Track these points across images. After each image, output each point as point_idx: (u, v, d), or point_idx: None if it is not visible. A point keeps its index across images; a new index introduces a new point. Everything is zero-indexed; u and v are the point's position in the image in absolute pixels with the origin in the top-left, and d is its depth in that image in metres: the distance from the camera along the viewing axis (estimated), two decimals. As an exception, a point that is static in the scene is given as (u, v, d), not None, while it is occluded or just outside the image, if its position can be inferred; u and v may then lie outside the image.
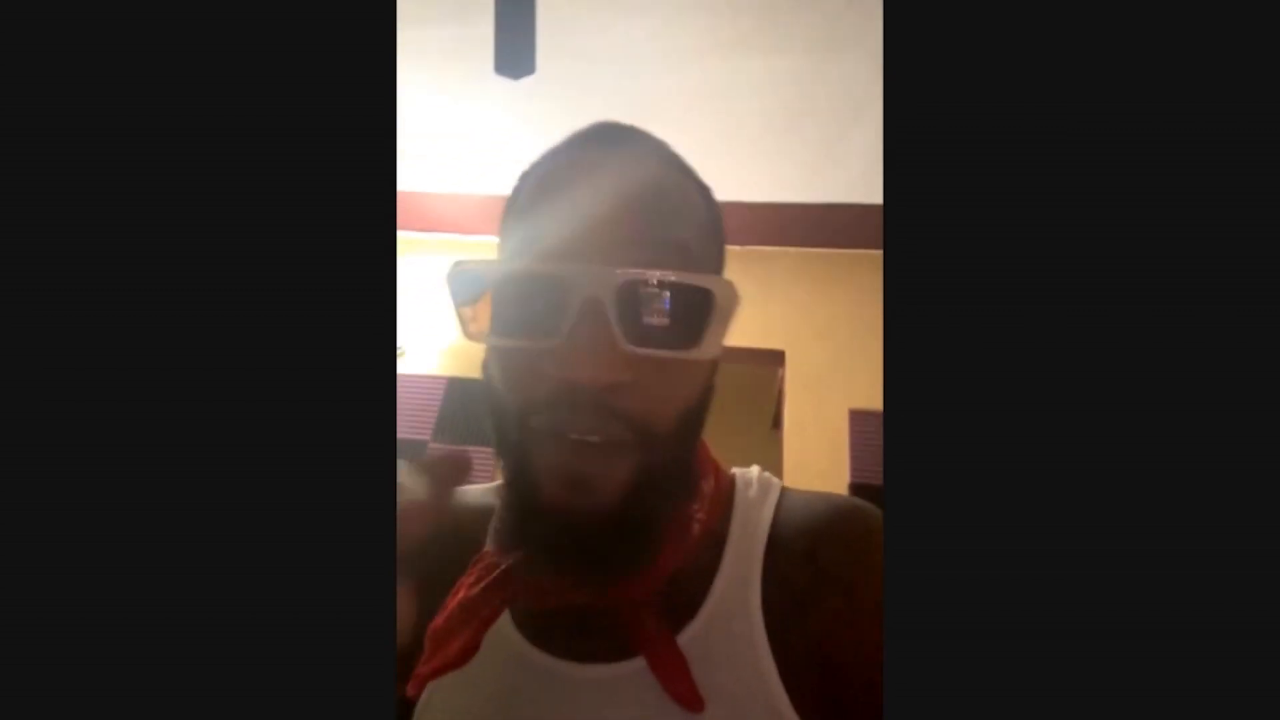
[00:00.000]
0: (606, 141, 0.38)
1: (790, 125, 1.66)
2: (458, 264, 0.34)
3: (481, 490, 0.46)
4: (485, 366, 0.36)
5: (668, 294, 0.32)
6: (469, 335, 0.34)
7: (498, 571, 0.35)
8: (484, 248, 2.25)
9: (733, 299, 0.33)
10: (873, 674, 0.33)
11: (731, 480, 0.42)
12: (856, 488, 1.73)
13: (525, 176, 0.39)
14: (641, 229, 0.34)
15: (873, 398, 1.84)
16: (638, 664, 0.35)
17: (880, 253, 1.99)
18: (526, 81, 1.24)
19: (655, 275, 0.31)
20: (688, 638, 0.36)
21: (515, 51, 1.22)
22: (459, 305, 0.34)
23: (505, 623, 0.38)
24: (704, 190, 0.39)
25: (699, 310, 0.32)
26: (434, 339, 2.15)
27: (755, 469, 0.43)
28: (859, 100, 1.55)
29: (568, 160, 0.37)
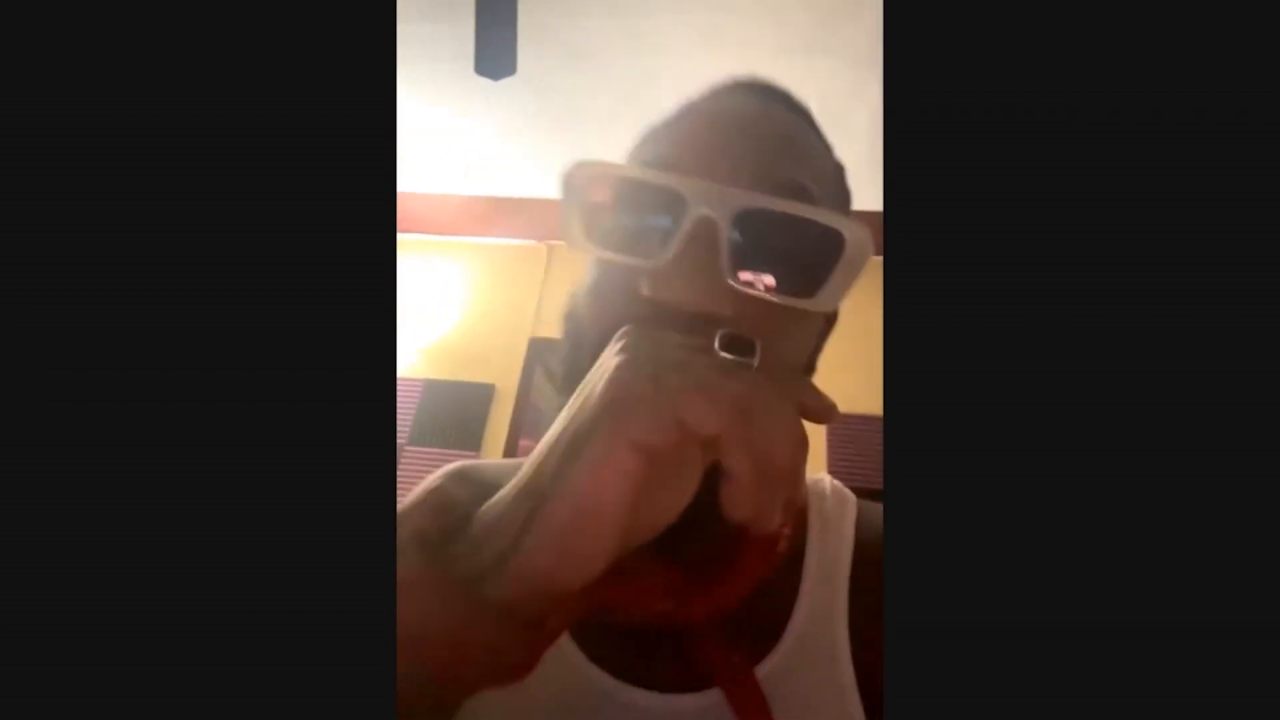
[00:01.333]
0: (746, 90, 0.36)
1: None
2: (572, 167, 0.31)
3: (511, 467, 0.40)
4: (570, 311, 0.33)
5: (789, 231, 0.28)
6: (571, 243, 0.30)
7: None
8: (461, 248, 2.24)
9: (866, 247, 0.28)
10: None
11: (804, 492, 0.38)
12: (833, 490, 1.74)
13: (667, 115, 0.36)
14: (767, 166, 0.31)
15: (850, 402, 1.86)
16: (709, 698, 0.31)
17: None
18: (506, 81, 1.23)
19: (782, 204, 0.28)
20: (767, 670, 0.31)
21: (496, 52, 1.22)
22: (566, 211, 0.31)
23: (563, 638, 0.33)
24: (838, 165, 0.37)
25: (824, 255, 0.28)
26: (410, 340, 2.13)
27: (826, 478, 0.40)
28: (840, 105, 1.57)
29: (704, 100, 0.35)
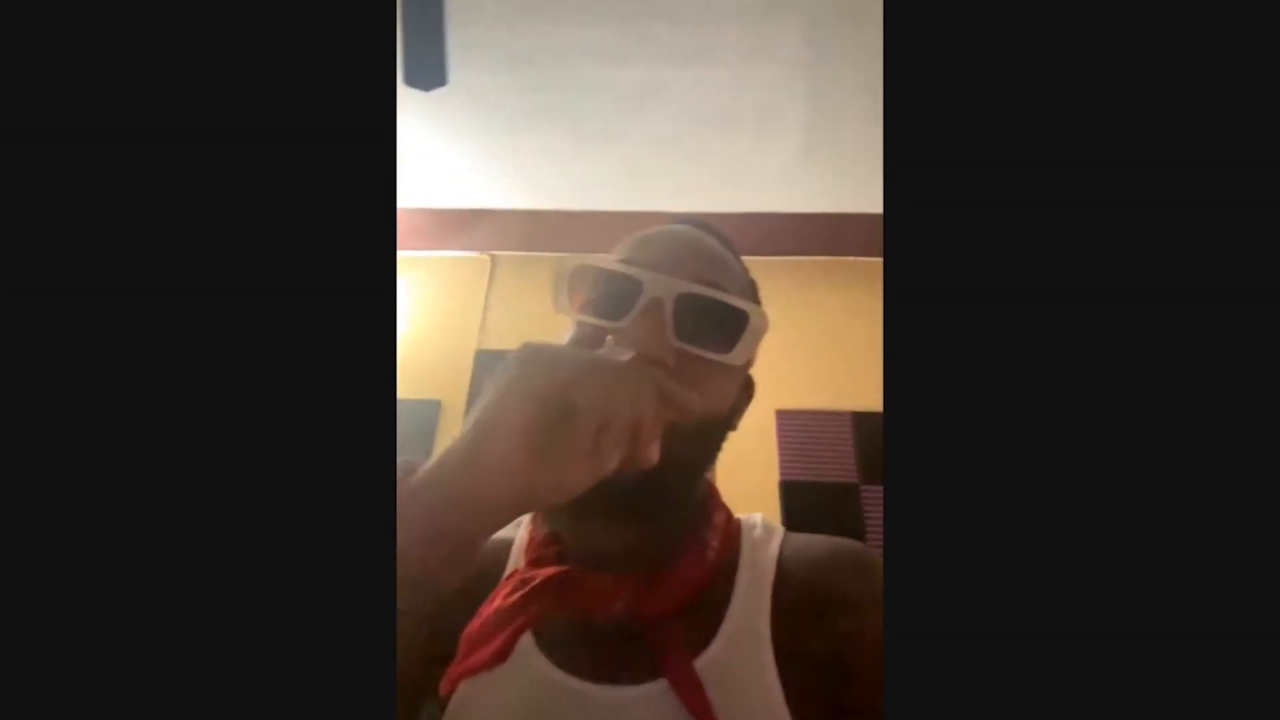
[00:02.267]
0: (693, 223, 0.50)
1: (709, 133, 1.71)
2: (580, 263, 0.43)
3: None
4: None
5: (711, 311, 0.40)
6: (559, 309, 0.43)
7: (533, 585, 0.39)
8: (401, 263, 2.19)
9: (763, 324, 0.42)
10: (874, 695, 0.37)
11: (738, 523, 0.48)
12: (786, 484, 1.78)
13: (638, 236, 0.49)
14: (700, 269, 0.44)
15: (798, 398, 1.90)
16: (658, 686, 0.39)
17: (801, 259, 2.07)
18: (444, 91, 1.21)
19: (709, 292, 0.40)
20: (705, 662, 0.40)
21: (425, 63, 1.20)
22: (567, 288, 0.43)
23: (530, 649, 0.41)
24: (749, 280, 0.50)
25: (735, 327, 0.41)
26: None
27: (759, 515, 0.50)
28: (780, 110, 1.61)
29: (663, 226, 0.49)
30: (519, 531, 0.49)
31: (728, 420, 0.46)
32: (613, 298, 0.41)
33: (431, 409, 1.98)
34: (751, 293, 0.50)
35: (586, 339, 0.40)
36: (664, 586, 0.41)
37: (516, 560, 0.46)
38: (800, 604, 0.42)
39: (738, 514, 0.49)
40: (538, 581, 0.39)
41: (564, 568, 0.40)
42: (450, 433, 1.95)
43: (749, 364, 0.45)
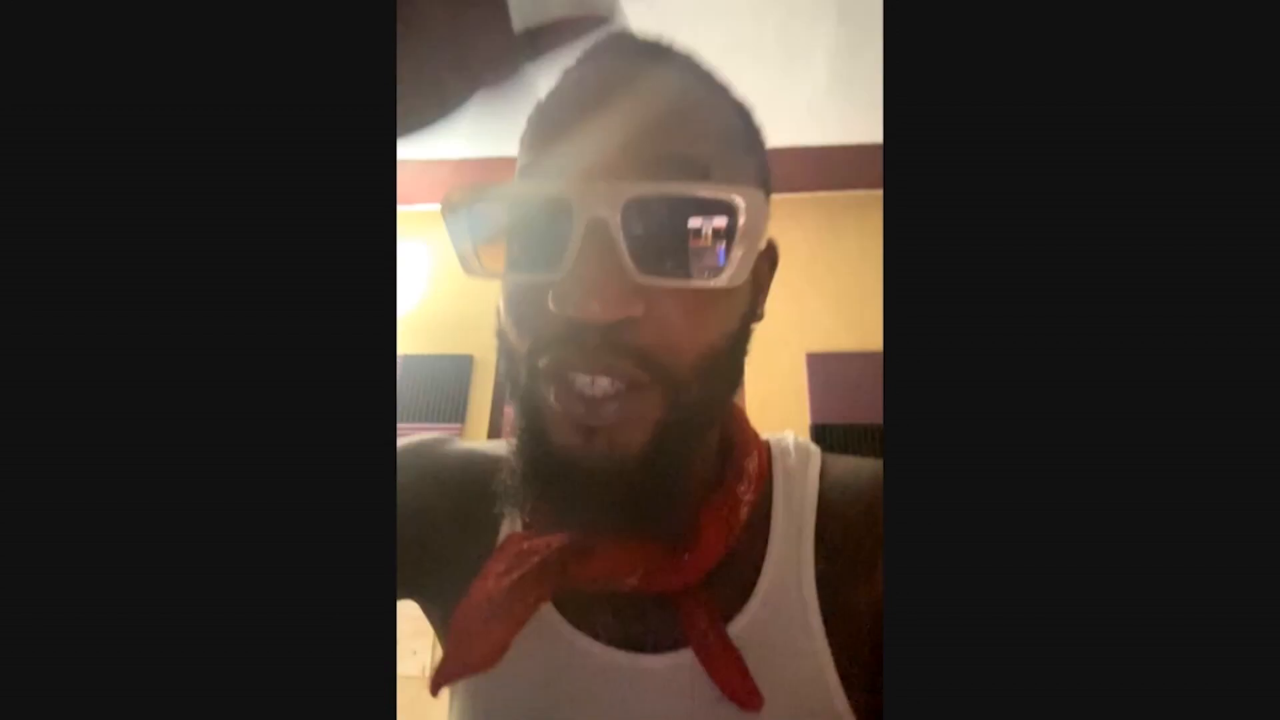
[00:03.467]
0: (621, 55, 0.33)
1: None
2: (449, 193, 0.29)
3: (490, 446, 0.43)
4: (498, 328, 0.33)
5: (684, 212, 0.27)
6: (469, 271, 0.30)
7: (533, 563, 0.32)
8: (425, 218, 2.19)
9: (760, 213, 0.27)
10: None
11: (767, 446, 0.39)
12: (817, 428, 1.78)
13: (539, 102, 0.34)
14: (655, 145, 0.29)
15: (828, 340, 1.88)
16: (687, 656, 0.32)
17: (829, 195, 2.01)
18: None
19: (668, 188, 0.27)
20: (740, 626, 0.33)
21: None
22: (456, 240, 0.30)
23: (545, 607, 0.34)
24: (739, 108, 0.34)
25: (721, 230, 0.27)
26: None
27: (790, 434, 0.41)
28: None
29: (579, 77, 0.32)
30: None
31: (735, 344, 0.33)
32: (534, 231, 0.29)
33: (464, 364, 2.01)
34: (750, 137, 0.34)
35: (526, 306, 0.29)
36: (688, 559, 0.32)
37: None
38: (846, 546, 0.34)
39: (767, 436, 0.40)
40: (537, 560, 0.32)
41: (567, 536, 0.32)
42: (482, 387, 1.98)
43: (746, 277, 0.29)
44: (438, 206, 0.30)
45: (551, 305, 0.27)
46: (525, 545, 0.33)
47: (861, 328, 1.87)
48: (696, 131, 0.31)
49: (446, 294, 2.11)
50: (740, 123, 0.34)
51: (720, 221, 0.27)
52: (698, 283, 0.28)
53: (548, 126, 0.31)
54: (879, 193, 1.96)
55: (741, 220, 0.27)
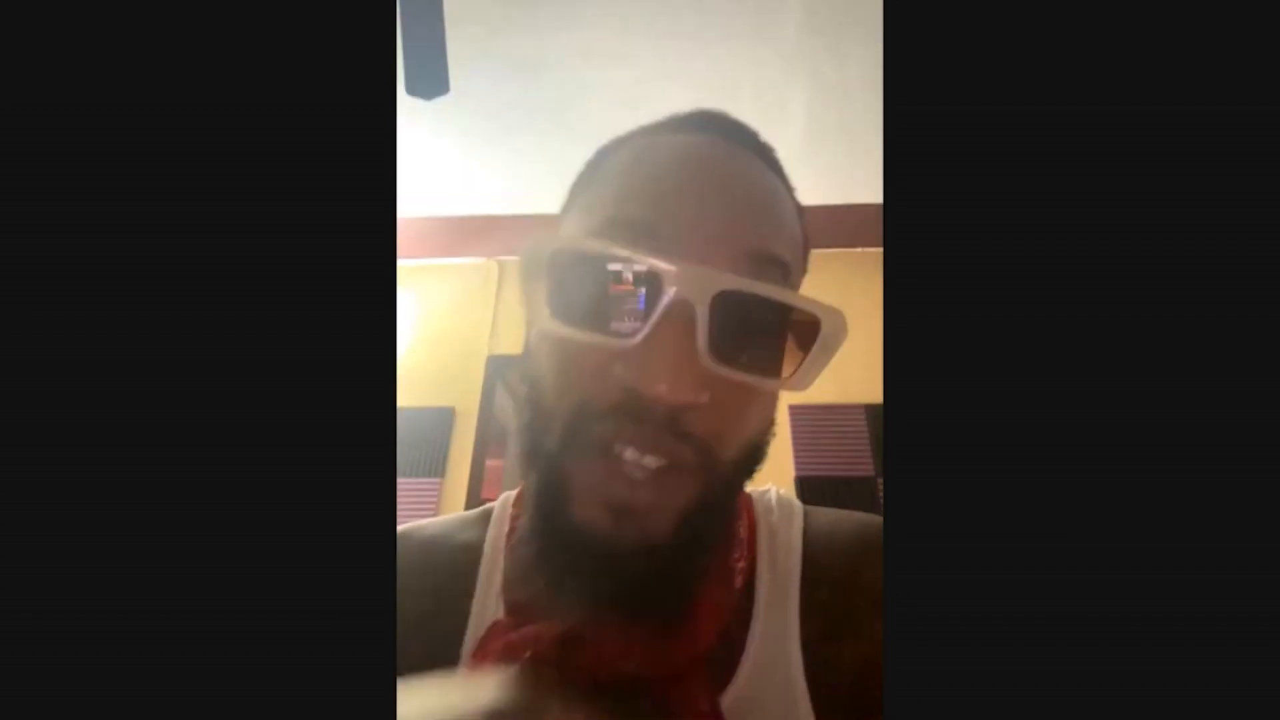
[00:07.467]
0: (711, 130, 0.32)
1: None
2: (542, 238, 0.28)
3: (460, 522, 0.40)
4: (529, 355, 0.31)
5: (765, 311, 0.27)
6: (535, 319, 0.29)
7: (521, 656, 0.29)
8: (408, 272, 2.20)
9: (840, 332, 0.28)
10: None
11: (749, 500, 0.38)
12: (802, 480, 1.77)
13: (606, 151, 0.34)
14: (745, 236, 0.29)
15: (811, 392, 1.89)
16: None
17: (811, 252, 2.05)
18: (445, 99, 1.22)
19: (762, 288, 0.27)
20: (731, 699, 0.31)
21: (426, 72, 1.20)
22: (531, 283, 0.28)
23: None
24: (795, 199, 0.35)
25: (800, 338, 0.28)
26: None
27: (773, 489, 0.40)
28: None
29: (667, 144, 0.32)
30: (489, 530, 0.38)
31: (767, 433, 0.33)
32: (613, 297, 0.27)
33: (445, 416, 1.98)
34: (806, 254, 0.35)
35: (584, 367, 0.28)
36: (686, 635, 0.31)
37: (490, 575, 0.36)
38: (833, 605, 0.34)
39: (748, 489, 0.38)
40: (528, 656, 0.29)
41: (557, 624, 0.30)
42: (463, 440, 1.95)
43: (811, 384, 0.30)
44: (419, 261, 0.29)
45: (623, 373, 0.27)
46: (512, 637, 0.30)
47: (842, 380, 1.89)
48: (785, 233, 0.31)
49: (427, 348, 2.10)
50: (798, 215, 0.35)
51: (801, 331, 0.28)
52: (771, 383, 0.29)
53: (640, 186, 0.30)
54: (856, 251, 2.01)
55: (823, 334, 0.28)
